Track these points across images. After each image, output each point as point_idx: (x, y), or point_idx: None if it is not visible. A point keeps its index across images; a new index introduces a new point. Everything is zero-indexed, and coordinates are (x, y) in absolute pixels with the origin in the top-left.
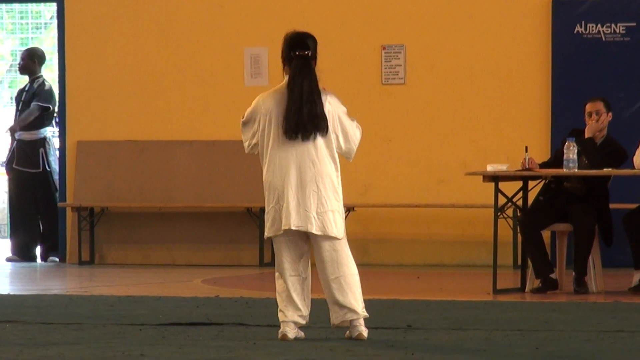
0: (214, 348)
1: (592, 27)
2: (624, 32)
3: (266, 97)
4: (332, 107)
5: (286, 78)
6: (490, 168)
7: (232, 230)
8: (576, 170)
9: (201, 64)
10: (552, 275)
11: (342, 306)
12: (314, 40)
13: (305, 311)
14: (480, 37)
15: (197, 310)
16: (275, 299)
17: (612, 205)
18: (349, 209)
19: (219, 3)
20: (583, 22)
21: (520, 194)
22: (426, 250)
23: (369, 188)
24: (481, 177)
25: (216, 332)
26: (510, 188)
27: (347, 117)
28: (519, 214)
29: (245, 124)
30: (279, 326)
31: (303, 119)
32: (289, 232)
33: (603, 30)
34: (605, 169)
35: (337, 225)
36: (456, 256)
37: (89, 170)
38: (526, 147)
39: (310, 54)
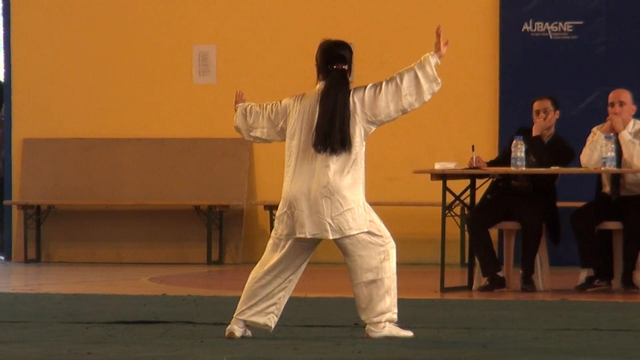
0: (160, 346)
1: (540, 25)
2: (571, 30)
3: (298, 103)
4: (359, 103)
5: (317, 86)
6: (438, 166)
7: (179, 228)
8: (524, 168)
9: (149, 62)
10: (500, 273)
11: (363, 310)
12: (350, 50)
13: (273, 317)
14: (428, 34)
15: (144, 309)
16: (222, 297)
17: (559, 204)
18: None
19: (168, 0)
20: (530, 21)
21: (468, 192)
22: None
23: None
24: (429, 175)
25: (163, 331)
26: (458, 186)
27: (371, 91)
28: (466, 212)
29: (259, 114)
30: (227, 324)
31: (334, 133)
32: (300, 238)
33: (550, 29)
34: (552, 167)
35: (356, 221)
36: (404, 254)
37: (36, 168)
38: (472, 146)
39: (347, 67)
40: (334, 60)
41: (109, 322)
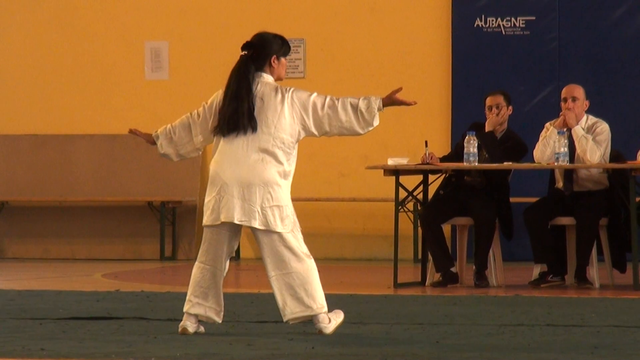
0: (114, 342)
1: (492, 20)
2: (523, 25)
3: (220, 93)
4: (300, 104)
5: None
6: (391, 162)
7: (132, 224)
8: (476, 164)
9: (101, 58)
10: (453, 269)
11: (286, 304)
12: (262, 39)
13: (219, 307)
14: (381, 30)
15: (98, 305)
16: (175, 293)
17: (512, 199)
18: None
19: None
20: (483, 16)
21: (421, 187)
22: (327, 244)
23: None
24: (382, 170)
25: (117, 327)
26: (411, 182)
27: (317, 101)
28: (419, 208)
29: (185, 125)
30: (180, 320)
31: (227, 117)
32: (228, 225)
33: (503, 24)
34: (505, 163)
35: (282, 220)
36: (357, 250)
37: None
38: (426, 142)
39: (250, 53)
40: (242, 48)
41: (63, 318)
